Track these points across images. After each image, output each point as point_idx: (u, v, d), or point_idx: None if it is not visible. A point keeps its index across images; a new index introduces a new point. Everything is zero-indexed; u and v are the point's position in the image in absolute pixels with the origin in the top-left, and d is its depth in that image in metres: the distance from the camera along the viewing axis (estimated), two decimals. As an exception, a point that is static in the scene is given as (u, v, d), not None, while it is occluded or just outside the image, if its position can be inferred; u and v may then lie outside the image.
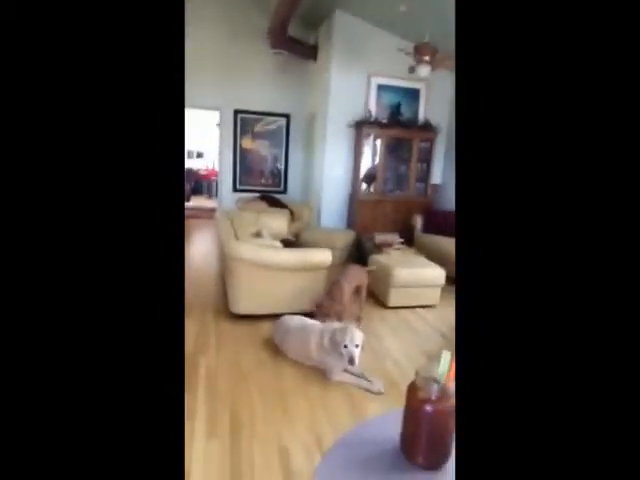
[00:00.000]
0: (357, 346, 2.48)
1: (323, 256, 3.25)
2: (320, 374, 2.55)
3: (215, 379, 2.41)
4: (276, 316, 3.07)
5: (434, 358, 2.86)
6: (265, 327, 3.12)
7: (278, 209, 5.52)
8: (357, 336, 2.49)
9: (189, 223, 7.28)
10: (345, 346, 2.43)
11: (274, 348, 2.81)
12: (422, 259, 4.09)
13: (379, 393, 2.41)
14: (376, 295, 3.94)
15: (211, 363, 2.58)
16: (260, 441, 1.94)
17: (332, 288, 3.14)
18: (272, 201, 5.80)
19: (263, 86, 6.90)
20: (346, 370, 2.56)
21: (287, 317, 2.90)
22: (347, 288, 3.17)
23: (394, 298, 3.72)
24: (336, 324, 2.71)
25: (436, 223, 5.24)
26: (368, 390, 2.42)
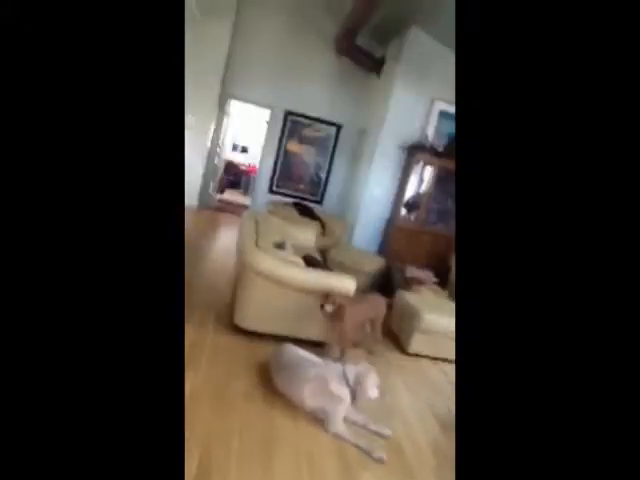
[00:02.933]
0: (377, 387, 2.19)
1: (346, 284, 2.90)
2: (314, 419, 2.19)
3: (197, 404, 2.09)
4: (281, 339, 2.74)
5: (448, 428, 2.45)
6: (266, 348, 2.79)
7: (308, 220, 5.21)
8: (376, 377, 2.25)
9: (218, 216, 7.09)
10: (377, 387, 2.22)
11: (269, 376, 2.48)
12: (454, 306, 3.66)
13: (379, 461, 2.03)
14: (396, 337, 3.54)
15: (197, 383, 2.27)
16: (226, 499, 1.60)
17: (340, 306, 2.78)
18: (304, 210, 5.51)
19: (319, 91, 6.66)
20: (345, 418, 2.20)
21: (287, 347, 2.53)
22: (351, 314, 2.81)
23: (416, 344, 3.31)
24: (340, 365, 2.34)
25: (475, 268, 4.79)
26: (367, 453, 2.05)
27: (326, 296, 2.76)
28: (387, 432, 2.21)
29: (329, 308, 2.72)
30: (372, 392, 2.19)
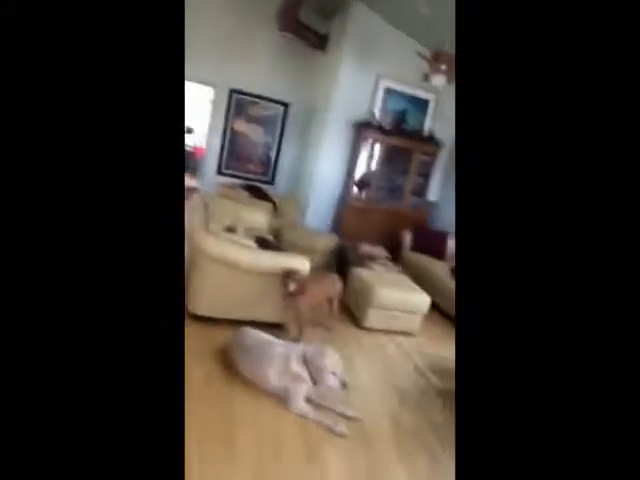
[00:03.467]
0: (335, 373, 2.18)
1: (299, 264, 2.89)
2: (276, 400, 2.20)
3: (152, 394, 2.03)
4: (238, 323, 2.71)
5: (406, 400, 2.55)
6: (222, 334, 2.75)
7: (260, 201, 5.13)
8: (339, 363, 2.23)
9: (165, 201, 6.81)
10: (334, 373, 2.18)
11: (227, 362, 2.45)
12: (407, 281, 3.78)
13: (341, 435, 2.08)
14: (351, 312, 3.61)
15: (151, 373, 2.20)
16: (189, 487, 1.58)
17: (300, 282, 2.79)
18: (256, 192, 5.40)
19: (264, 69, 6.47)
20: (310, 400, 2.23)
21: (247, 330, 2.52)
22: (311, 293, 2.84)
23: (371, 319, 3.39)
24: (301, 345, 2.37)
25: (427, 243, 4.94)
26: (329, 429, 2.09)
27: (287, 274, 2.75)
28: (353, 413, 2.24)
29: (292, 286, 2.71)
30: (331, 381, 2.17)
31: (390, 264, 4.35)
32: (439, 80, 3.97)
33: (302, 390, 2.20)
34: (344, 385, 2.18)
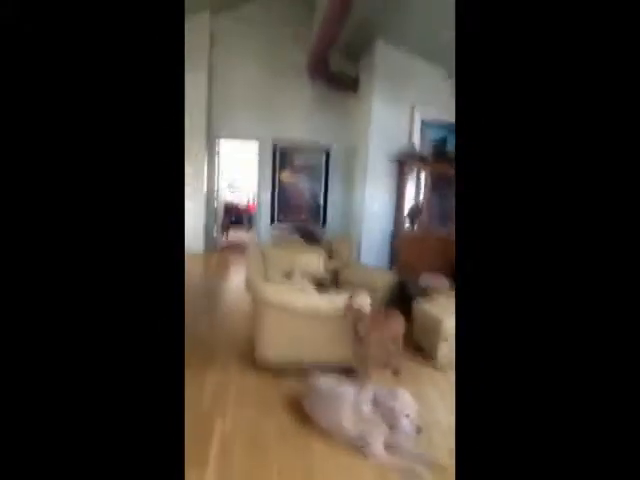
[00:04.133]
0: (408, 416, 2.05)
1: (360, 301, 2.84)
2: (355, 450, 2.10)
3: (230, 450, 2.02)
4: (305, 370, 2.67)
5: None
6: (292, 383, 2.72)
7: (314, 247, 5.19)
8: (412, 404, 2.10)
9: (226, 257, 7.10)
10: (407, 415, 2.04)
11: (301, 414, 2.39)
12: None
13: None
14: (422, 349, 3.45)
15: (227, 428, 2.20)
16: None
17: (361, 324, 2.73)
18: (308, 235, 5.50)
19: (302, 118, 6.79)
20: (389, 446, 2.10)
21: (320, 378, 2.46)
22: (376, 331, 2.76)
23: (444, 352, 3.22)
24: (372, 387, 2.27)
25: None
26: (413, 477, 1.95)
27: (357, 316, 2.71)
28: (436, 460, 2.07)
29: (361, 326, 2.67)
30: (405, 425, 2.04)
31: (453, 293, 4.17)
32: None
33: (379, 435, 2.09)
34: (419, 430, 2.04)
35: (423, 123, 5.47)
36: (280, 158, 6.87)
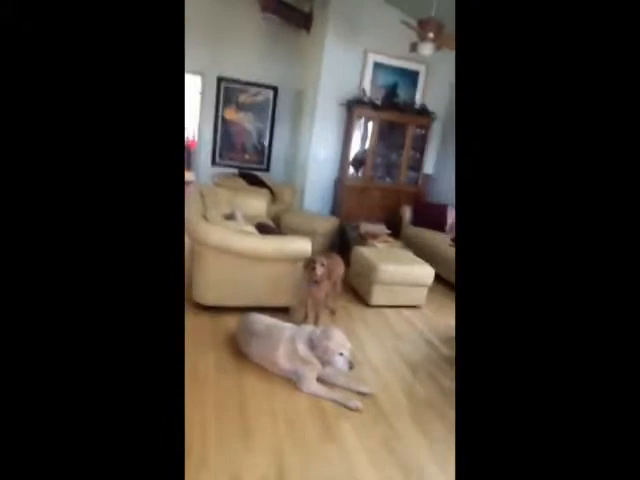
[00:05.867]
0: (342, 354, 2.17)
1: (301, 246, 2.88)
2: (288, 383, 2.22)
3: (165, 385, 2.04)
4: (245, 310, 2.71)
5: (417, 371, 2.57)
6: (231, 321, 2.76)
7: (257, 189, 5.10)
8: (345, 343, 2.21)
9: (162, 196, 6.78)
10: (341, 354, 2.16)
11: (238, 348, 2.46)
12: (410, 255, 3.77)
13: (356, 410, 2.10)
14: (356, 291, 3.62)
15: (163, 364, 2.21)
16: (210, 472, 1.60)
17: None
18: (252, 179, 5.37)
19: (250, 54, 6.36)
20: (320, 379, 2.24)
21: (253, 316, 2.52)
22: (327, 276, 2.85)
23: (377, 296, 3.40)
24: (308, 327, 2.37)
25: (426, 216, 4.92)
26: (344, 405, 2.11)
27: (311, 260, 2.75)
28: (366, 390, 2.25)
29: (320, 270, 2.72)
30: (339, 362, 2.17)
31: (392, 240, 4.34)
32: (427, 49, 3.88)
33: (313, 372, 2.22)
34: (351, 366, 2.18)
35: (375, 67, 5.35)
36: (224, 94, 6.47)
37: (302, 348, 2.22)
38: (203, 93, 6.49)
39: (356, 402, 2.12)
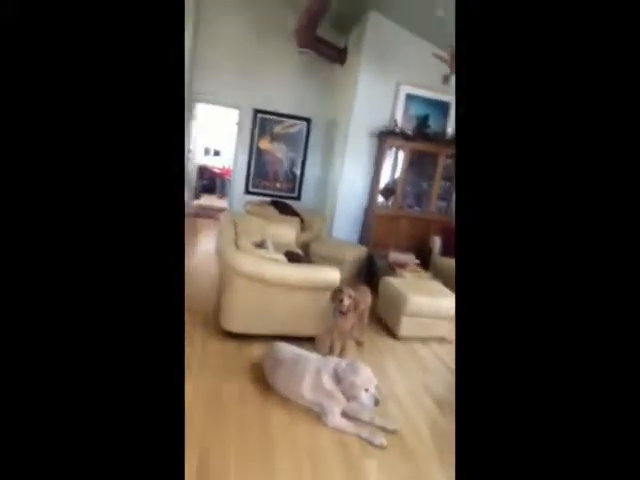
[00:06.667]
0: (367, 390, 2.13)
1: (330, 275, 2.89)
2: (311, 414, 2.19)
3: (189, 413, 2.06)
4: (272, 338, 2.72)
5: (445, 407, 2.48)
6: (257, 349, 2.78)
7: (288, 217, 5.19)
8: (371, 379, 2.16)
9: (196, 223, 7.00)
10: (367, 390, 2.12)
11: (263, 378, 2.46)
12: (439, 286, 3.70)
13: (381, 446, 2.04)
14: (384, 322, 3.57)
15: (189, 390, 2.24)
16: (229, 504, 1.59)
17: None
18: (283, 208, 5.48)
19: (286, 87, 6.61)
20: (345, 413, 2.20)
21: (280, 345, 2.53)
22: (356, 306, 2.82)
23: (405, 328, 3.33)
24: (334, 359, 2.34)
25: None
26: (369, 442, 2.05)
27: (338, 290, 2.75)
28: (391, 426, 2.19)
29: (347, 302, 2.71)
30: (364, 398, 2.12)
31: (421, 270, 4.29)
32: (459, 82, 3.92)
33: (338, 406, 2.18)
34: (377, 402, 2.12)
35: (407, 98, 5.43)
36: (260, 126, 6.71)
37: (327, 381, 2.19)
38: (240, 124, 6.76)
39: (381, 438, 2.06)
